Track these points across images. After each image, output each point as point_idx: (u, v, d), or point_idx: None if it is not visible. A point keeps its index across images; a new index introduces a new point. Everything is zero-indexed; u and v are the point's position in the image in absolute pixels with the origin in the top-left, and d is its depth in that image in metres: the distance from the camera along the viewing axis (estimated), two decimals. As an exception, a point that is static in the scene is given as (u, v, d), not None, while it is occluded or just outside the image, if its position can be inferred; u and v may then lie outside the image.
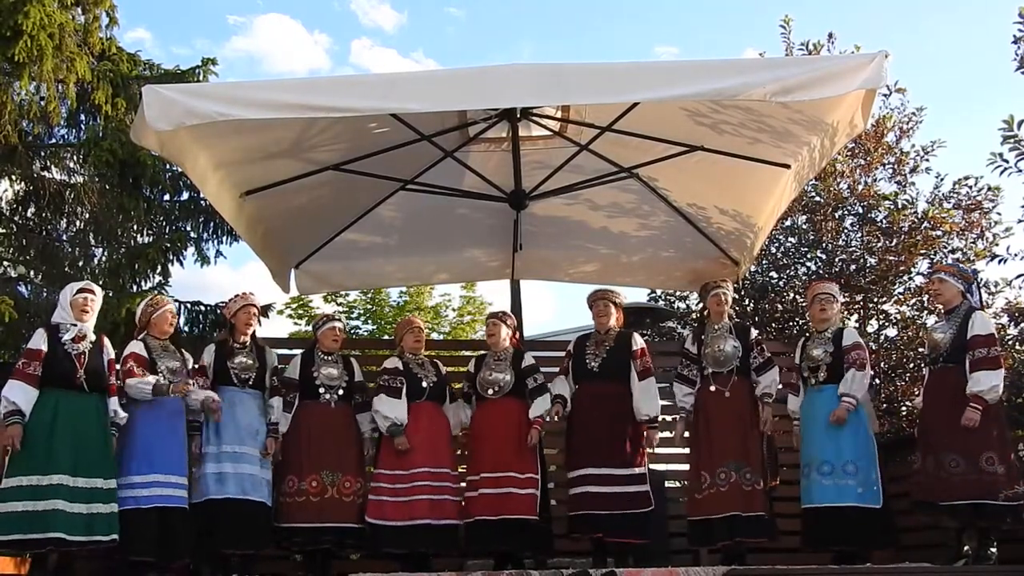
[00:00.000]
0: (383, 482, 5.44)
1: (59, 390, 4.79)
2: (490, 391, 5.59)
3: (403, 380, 5.58)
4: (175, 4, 34.39)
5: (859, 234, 9.21)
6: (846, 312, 9.01)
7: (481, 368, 5.69)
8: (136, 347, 5.16)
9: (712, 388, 5.53)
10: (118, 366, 5.10)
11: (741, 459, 5.37)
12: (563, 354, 5.89)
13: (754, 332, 5.74)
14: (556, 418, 5.56)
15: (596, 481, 5.38)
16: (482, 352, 5.91)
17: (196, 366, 5.34)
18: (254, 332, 5.60)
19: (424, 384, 5.61)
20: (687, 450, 5.81)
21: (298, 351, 5.92)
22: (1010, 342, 8.12)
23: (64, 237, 8.80)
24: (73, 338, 4.87)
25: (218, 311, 8.22)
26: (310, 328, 5.99)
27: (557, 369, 5.83)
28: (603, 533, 5.38)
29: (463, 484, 5.60)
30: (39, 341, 4.83)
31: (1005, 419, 5.12)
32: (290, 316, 14.45)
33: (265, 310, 5.72)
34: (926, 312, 8.65)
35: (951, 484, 4.92)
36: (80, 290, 5.01)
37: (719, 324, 5.68)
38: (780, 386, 5.60)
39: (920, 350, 8.04)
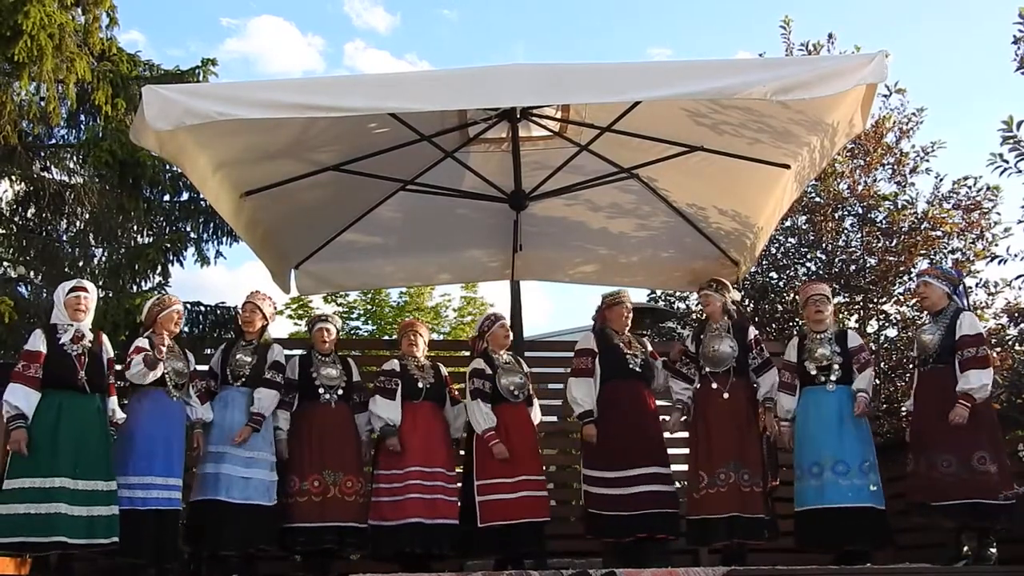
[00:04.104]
0: (382, 483, 5.46)
1: (61, 391, 4.75)
2: (520, 395, 5.62)
3: (398, 381, 5.59)
4: (168, 6, 34.45)
5: (859, 234, 9.22)
6: (846, 312, 9.01)
7: (497, 370, 5.64)
8: (142, 343, 5.12)
9: (713, 386, 5.52)
10: (118, 366, 5.10)
11: (739, 460, 5.35)
12: (568, 354, 5.86)
13: (753, 332, 5.69)
14: (593, 440, 5.48)
15: (660, 480, 5.42)
16: (483, 354, 5.82)
17: (206, 368, 5.34)
18: (263, 329, 5.59)
19: (420, 385, 5.61)
20: (687, 450, 5.81)
21: (298, 351, 5.94)
22: (1010, 342, 8.12)
23: (64, 237, 8.78)
24: (71, 338, 4.83)
25: (218, 311, 8.22)
26: (308, 329, 6.00)
27: (566, 369, 5.80)
28: (664, 533, 5.37)
29: (459, 484, 5.60)
30: (38, 343, 4.78)
31: (997, 419, 5.15)
32: (290, 316, 14.45)
33: (274, 308, 5.71)
34: (925, 313, 8.63)
35: (944, 485, 4.94)
36: (72, 289, 4.94)
37: (717, 324, 5.68)
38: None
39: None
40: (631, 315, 5.80)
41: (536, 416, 5.78)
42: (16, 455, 4.62)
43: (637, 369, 5.59)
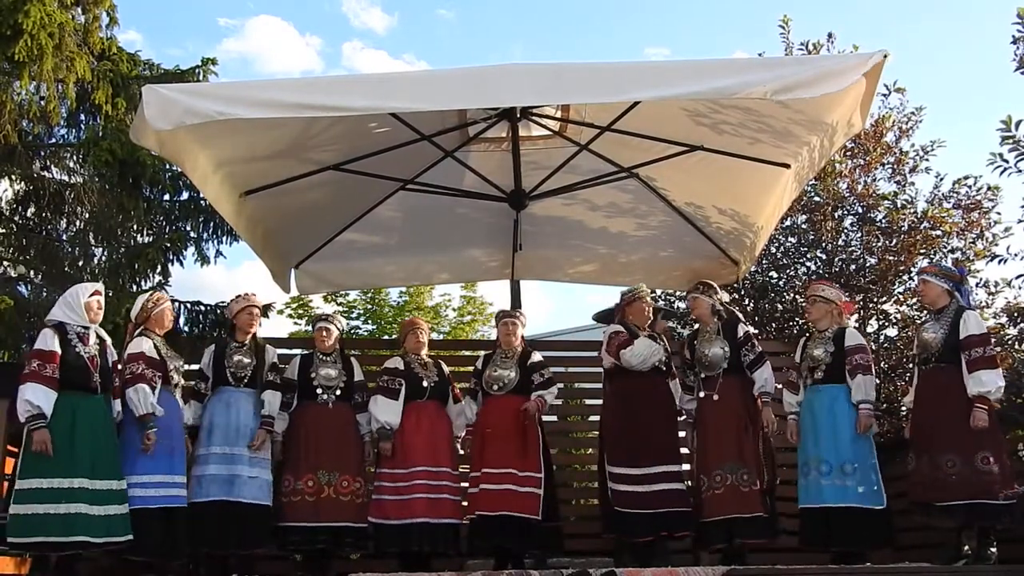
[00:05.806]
0: (385, 481, 5.47)
1: (76, 393, 4.75)
2: (495, 387, 5.59)
3: (401, 381, 5.59)
4: (166, 6, 34.46)
5: (859, 234, 9.20)
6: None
7: (488, 365, 5.67)
8: (146, 346, 5.10)
9: (702, 394, 5.53)
10: (120, 366, 5.10)
11: (737, 461, 5.34)
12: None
13: (743, 329, 5.59)
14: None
15: (675, 478, 5.42)
16: (488, 351, 5.86)
17: (196, 368, 5.34)
18: (255, 331, 5.61)
19: (425, 384, 5.62)
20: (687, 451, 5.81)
21: (298, 351, 5.94)
22: (1010, 342, 8.11)
23: (64, 237, 8.80)
24: (84, 341, 4.83)
25: (218, 311, 8.23)
26: (310, 328, 6.02)
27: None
28: (684, 530, 5.37)
29: (464, 484, 5.61)
30: (51, 343, 4.75)
31: (997, 419, 5.12)
32: (290, 316, 14.47)
33: (265, 310, 5.71)
34: (925, 312, 8.62)
35: (948, 484, 4.93)
36: (95, 292, 4.98)
37: (708, 327, 5.67)
38: (779, 385, 5.57)
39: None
40: (651, 310, 5.78)
41: (548, 398, 5.60)
42: (32, 455, 4.59)
43: (662, 366, 5.59)
